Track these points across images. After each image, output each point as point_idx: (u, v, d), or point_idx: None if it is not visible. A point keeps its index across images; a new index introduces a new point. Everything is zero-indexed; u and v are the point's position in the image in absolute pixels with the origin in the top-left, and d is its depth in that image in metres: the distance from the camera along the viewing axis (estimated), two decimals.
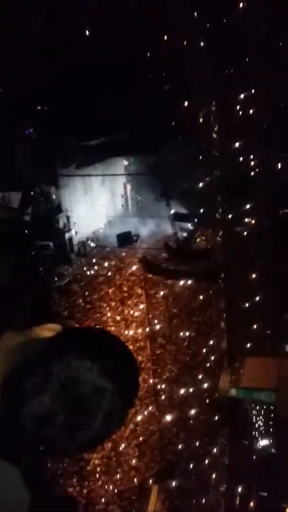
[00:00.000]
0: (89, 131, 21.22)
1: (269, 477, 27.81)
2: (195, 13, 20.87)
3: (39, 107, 17.49)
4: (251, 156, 28.56)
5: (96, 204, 22.58)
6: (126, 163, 24.98)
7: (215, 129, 26.94)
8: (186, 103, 25.18)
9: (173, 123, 24.83)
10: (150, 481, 25.21)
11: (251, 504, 28.87)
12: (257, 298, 28.58)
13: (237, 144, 27.87)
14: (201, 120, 26.20)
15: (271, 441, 26.77)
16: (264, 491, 29.57)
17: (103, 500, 22.69)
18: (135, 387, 1.33)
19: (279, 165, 28.07)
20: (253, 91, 26.70)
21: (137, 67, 22.02)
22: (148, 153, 23.46)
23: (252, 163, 28.68)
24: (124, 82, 20.51)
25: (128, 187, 25.53)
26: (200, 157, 26.46)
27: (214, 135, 27.05)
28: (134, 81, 21.71)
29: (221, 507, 28.01)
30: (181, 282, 26.29)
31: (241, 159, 28.32)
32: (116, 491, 23.29)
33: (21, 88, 15.51)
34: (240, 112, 27.17)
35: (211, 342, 27.74)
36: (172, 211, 24.12)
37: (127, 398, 1.27)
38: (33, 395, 1.21)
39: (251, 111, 27.23)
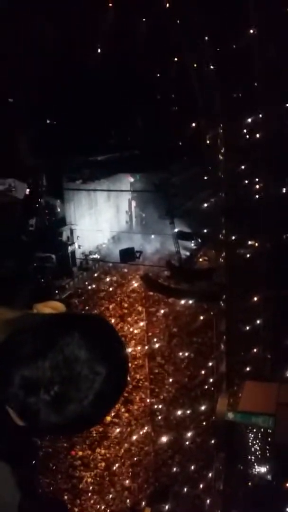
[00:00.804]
0: (97, 147, 21.60)
1: (265, 505, 27.03)
2: (206, 37, 21.39)
3: (48, 121, 17.83)
4: (256, 179, 28.85)
5: (100, 219, 22.77)
6: (131, 180, 25.27)
7: (222, 151, 27.29)
8: (193, 125, 25.61)
9: (180, 143, 25.23)
10: (143, 503, 24.65)
11: None
12: (258, 321, 28.39)
13: (242, 167, 28.20)
14: (208, 142, 26.59)
15: (267, 467, 26.13)
16: None
17: None
18: (125, 377, 1.36)
19: (284, 190, 28.29)
20: (260, 115, 27.12)
21: (146, 87, 22.50)
22: (154, 171, 23.72)
23: (257, 186, 28.94)
24: (133, 102, 20.97)
25: (133, 203, 25.75)
26: (206, 177, 26.76)
27: (220, 157, 27.39)
28: (143, 100, 22.18)
29: None
30: (182, 301, 26.23)
31: (246, 181, 28.62)
32: (108, 511, 22.78)
33: (31, 102, 15.86)
34: (247, 136, 27.55)
35: (210, 364, 27.44)
36: (176, 230, 24.23)
37: (117, 385, 1.29)
38: (32, 359, 1.19)
39: (257, 135, 27.61)
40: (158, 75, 22.66)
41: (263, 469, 26.58)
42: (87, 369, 1.20)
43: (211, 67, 22.93)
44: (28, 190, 14.95)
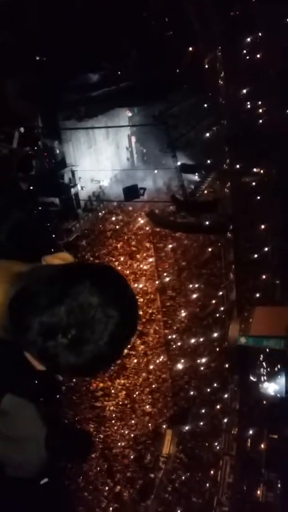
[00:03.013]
0: (91, 82, 20.71)
1: (279, 420, 28.72)
2: None
3: (38, 58, 17.02)
4: (259, 103, 27.78)
5: (101, 158, 22.30)
6: (130, 114, 24.41)
7: (221, 75, 26.12)
8: (190, 49, 24.32)
9: (177, 71, 24.05)
10: (164, 426, 26.36)
11: (262, 446, 29.99)
12: (266, 249, 28.60)
13: (244, 91, 27.09)
14: (206, 66, 25.37)
15: (281, 386, 27.47)
16: (274, 434, 30.56)
17: (119, 444, 23.88)
18: (136, 318, 1.44)
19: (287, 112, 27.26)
20: (260, 34, 25.62)
21: (138, 12, 21.16)
22: (153, 103, 22.84)
23: (260, 110, 27.92)
24: (126, 30, 19.77)
25: (133, 139, 25.06)
26: (206, 105, 25.82)
27: (221, 82, 26.26)
28: (136, 27, 20.91)
29: (232, 449, 29.21)
30: (190, 235, 26.34)
31: (248, 106, 27.59)
32: (131, 435, 24.43)
33: (22, 37, 15.07)
34: (247, 57, 26.20)
35: (220, 293, 28.07)
36: (179, 163, 23.76)
37: (129, 326, 1.36)
38: (49, 306, 1.26)
39: (258, 56, 26.25)
40: None
41: (277, 388, 27.96)
42: (100, 313, 1.29)
43: None
44: (21, 136, 14.58)
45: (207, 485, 27.44)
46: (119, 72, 21.83)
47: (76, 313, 1.28)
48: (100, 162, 22.21)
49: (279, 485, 29.06)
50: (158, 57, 21.08)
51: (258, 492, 28.78)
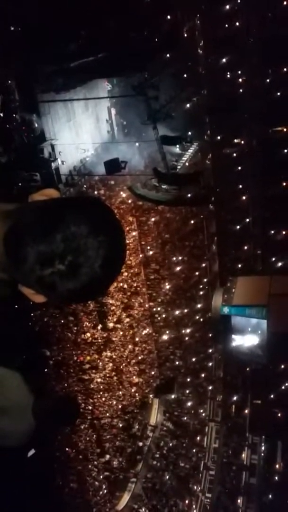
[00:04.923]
0: (68, 52, 20.16)
1: (262, 386, 29.60)
2: None
3: (12, 28, 16.46)
4: (239, 72, 27.43)
5: (80, 131, 21.92)
6: (109, 85, 23.94)
7: (201, 44, 25.64)
8: (168, 18, 23.74)
9: (156, 40, 23.52)
10: (151, 395, 27.01)
11: (246, 411, 30.96)
12: (247, 220, 28.85)
13: (224, 60, 26.68)
14: (185, 35, 24.86)
15: (263, 353, 28.16)
16: (257, 399, 31.53)
17: (107, 414, 24.43)
18: (124, 241, 1.50)
19: (268, 81, 27.06)
20: (239, 1, 25.09)
21: None
22: (132, 74, 22.41)
23: (240, 79, 27.61)
24: None
25: (113, 111, 24.64)
26: (186, 75, 25.44)
27: (200, 51, 25.81)
28: None
29: (218, 415, 30.13)
30: (172, 208, 26.35)
31: (228, 76, 27.24)
32: (119, 406, 24.99)
33: None
34: (226, 25, 25.70)
35: (203, 265, 28.40)
36: (160, 135, 23.54)
37: (119, 250, 1.43)
38: (45, 235, 1.30)
39: (237, 23, 25.76)
40: None
41: (259, 356, 28.66)
42: (92, 239, 1.36)
43: None
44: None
45: (194, 450, 28.39)
46: (97, 42, 21.26)
47: (70, 240, 1.34)
48: (80, 136, 21.87)
49: (262, 448, 30.23)
50: (136, 26, 20.59)
51: (243, 455, 29.89)
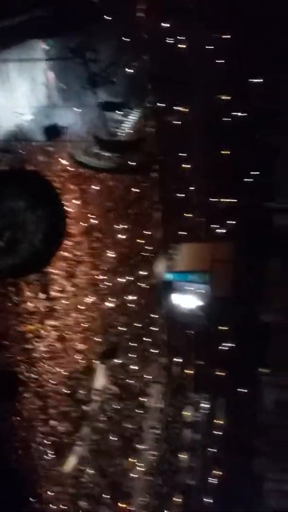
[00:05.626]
0: (0, 9, 19.07)
1: (204, 347, 30.76)
2: None
3: None
4: (184, 35, 26.94)
5: (16, 95, 21.02)
6: (45, 46, 22.81)
7: (142, 6, 24.89)
8: None
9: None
10: (96, 361, 27.49)
11: (189, 372, 32.20)
12: (190, 188, 29.10)
13: (166, 24, 26.07)
14: None
15: (204, 315, 29.13)
16: (200, 360, 32.82)
17: (52, 382, 24.75)
18: (64, 217, 1.49)
19: (213, 46, 26.79)
20: None
21: None
22: (70, 34, 21.57)
23: (185, 45, 27.17)
24: None
25: (51, 74, 23.62)
26: (127, 39, 24.74)
27: (141, 14, 25.07)
28: None
29: (162, 377, 31.20)
30: (115, 176, 26.13)
31: (171, 40, 26.73)
32: (64, 373, 25.33)
33: None
34: None
35: (147, 233, 28.60)
36: (100, 100, 23.06)
37: (60, 225, 1.43)
38: None
39: None
40: None
41: (200, 317, 29.64)
42: (31, 214, 1.36)
43: None
44: None
45: (139, 411, 29.43)
46: None
47: (8, 217, 1.34)
48: (16, 100, 20.99)
49: (205, 406, 31.77)
50: None
51: (187, 413, 31.29)
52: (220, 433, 30.55)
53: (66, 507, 25.20)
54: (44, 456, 24.12)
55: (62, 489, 25.42)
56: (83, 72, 21.93)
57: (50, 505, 24.67)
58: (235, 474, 28.27)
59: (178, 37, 26.38)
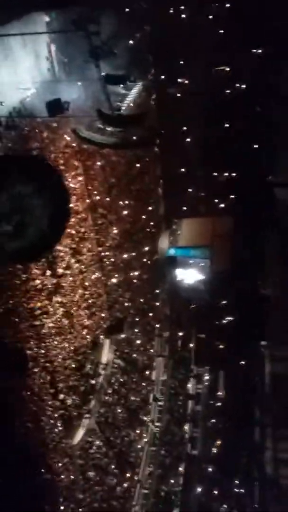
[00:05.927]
0: None
1: (205, 321, 31.25)
2: None
3: None
4: (183, 7, 26.41)
5: (19, 70, 20.58)
6: (47, 19, 22.24)
7: None
8: None
9: None
10: (102, 336, 27.84)
11: (191, 345, 32.76)
12: (192, 163, 28.99)
13: None
14: None
15: (205, 289, 29.53)
16: (202, 334, 33.35)
17: (60, 357, 25.04)
18: (69, 201, 1.55)
19: (211, 17, 26.27)
20: None
21: None
22: (71, 6, 21.02)
23: (183, 15, 26.63)
24: None
25: (53, 47, 23.11)
26: (127, 9, 24.20)
27: None
28: None
29: (165, 351, 31.77)
30: (117, 151, 25.91)
31: (171, 10, 26.19)
32: (71, 348, 25.63)
33: None
34: None
35: (149, 208, 28.63)
36: (103, 73, 22.66)
37: (65, 209, 1.48)
38: None
39: None
40: None
41: (202, 292, 30.03)
42: (37, 199, 1.43)
43: None
44: None
45: (143, 384, 30.05)
46: None
47: (16, 201, 1.40)
48: (19, 75, 20.57)
49: (206, 378, 32.46)
50: None
51: (189, 385, 32.00)
52: (219, 404, 31.36)
53: (74, 478, 25.88)
54: (53, 429, 24.58)
55: (70, 460, 26.05)
56: (85, 45, 21.45)
57: (60, 475, 25.29)
58: (235, 443, 29.10)
59: (178, 8, 25.90)
